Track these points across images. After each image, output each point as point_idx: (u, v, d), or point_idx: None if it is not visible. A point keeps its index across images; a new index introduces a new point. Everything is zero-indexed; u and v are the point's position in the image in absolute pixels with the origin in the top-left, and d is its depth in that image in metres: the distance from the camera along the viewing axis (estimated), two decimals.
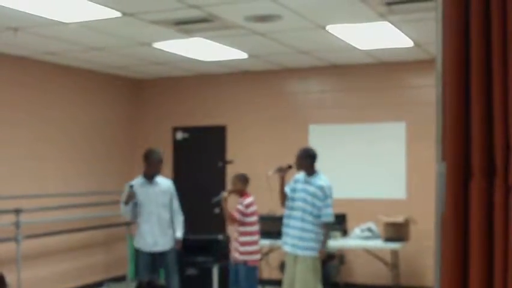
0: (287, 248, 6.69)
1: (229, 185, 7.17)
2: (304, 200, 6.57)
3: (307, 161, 6.67)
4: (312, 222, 6.55)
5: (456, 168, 2.26)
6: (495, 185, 2.21)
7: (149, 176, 7.00)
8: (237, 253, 7.09)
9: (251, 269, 7.10)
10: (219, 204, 7.32)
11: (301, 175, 6.72)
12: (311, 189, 6.57)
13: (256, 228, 7.13)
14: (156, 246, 6.95)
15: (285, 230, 6.72)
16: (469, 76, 2.27)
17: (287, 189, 6.73)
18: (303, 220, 6.56)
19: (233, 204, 7.16)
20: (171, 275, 7.08)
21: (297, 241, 6.58)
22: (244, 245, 7.05)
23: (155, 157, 7.02)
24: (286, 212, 6.73)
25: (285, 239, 6.71)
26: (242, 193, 7.09)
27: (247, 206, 7.01)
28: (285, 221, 6.74)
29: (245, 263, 7.06)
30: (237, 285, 7.18)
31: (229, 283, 7.34)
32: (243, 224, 7.02)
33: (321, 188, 6.55)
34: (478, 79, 2.24)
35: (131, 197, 6.85)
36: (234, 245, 7.17)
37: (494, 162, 2.22)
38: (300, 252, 6.57)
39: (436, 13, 2.34)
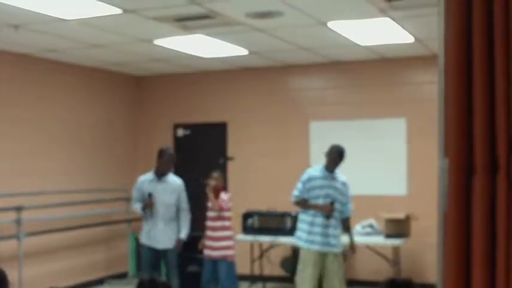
0: (316, 247, 6.53)
1: (212, 182, 7.16)
2: (332, 197, 6.53)
3: (340, 159, 6.63)
4: (338, 218, 6.59)
5: (458, 164, 2.25)
6: (498, 181, 2.21)
7: (159, 173, 7.06)
8: (211, 249, 7.04)
9: (231, 264, 7.08)
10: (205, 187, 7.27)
11: (317, 172, 6.61)
12: (337, 185, 6.60)
13: (231, 223, 7.19)
14: (158, 243, 7.00)
15: (310, 228, 6.56)
16: (472, 72, 2.27)
17: (300, 190, 6.61)
18: (336, 218, 6.56)
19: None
20: (171, 274, 7.09)
21: (333, 239, 6.53)
22: (222, 240, 7.01)
23: (168, 155, 7.08)
24: (310, 211, 6.61)
25: (312, 237, 6.55)
26: (222, 189, 7.14)
27: (229, 199, 7.07)
28: (307, 218, 6.59)
29: (225, 258, 7.02)
30: (215, 283, 7.12)
31: (204, 282, 7.23)
32: (221, 218, 7.02)
33: (345, 184, 6.64)
34: (480, 75, 2.24)
35: (149, 206, 6.95)
36: (207, 243, 7.09)
37: (497, 158, 2.21)
38: (335, 250, 6.55)
39: (438, 8, 2.33)
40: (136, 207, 7.14)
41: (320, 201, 6.50)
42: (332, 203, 6.50)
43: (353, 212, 6.77)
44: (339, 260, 6.60)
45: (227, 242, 7.05)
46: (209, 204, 7.12)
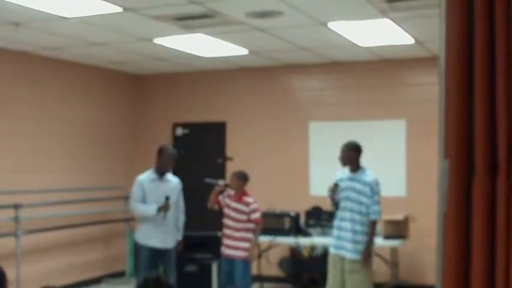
0: (333, 250, 6.37)
1: (219, 186, 7.12)
2: (350, 199, 6.25)
3: (352, 155, 6.34)
4: (361, 222, 6.23)
5: (459, 165, 2.25)
6: (498, 182, 2.20)
7: (160, 172, 6.89)
8: (233, 250, 7.00)
9: (248, 265, 7.06)
10: (209, 185, 7.15)
11: (344, 173, 6.40)
12: (356, 186, 6.25)
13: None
14: (160, 243, 6.88)
15: (334, 232, 6.39)
16: (472, 73, 2.26)
17: (330, 192, 6.40)
18: (352, 221, 6.23)
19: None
20: (170, 273, 7.04)
21: (346, 243, 6.24)
22: (244, 240, 6.99)
23: (169, 153, 6.91)
24: (337, 214, 6.39)
25: (333, 241, 6.40)
26: (243, 192, 7.00)
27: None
28: (335, 222, 6.41)
29: (246, 259, 7.00)
30: (232, 283, 7.10)
31: (222, 282, 7.23)
32: (249, 220, 6.95)
33: (368, 184, 6.24)
34: (481, 76, 2.24)
35: (167, 208, 6.77)
36: (226, 242, 7.06)
37: (497, 159, 2.21)
38: (348, 255, 6.24)
39: (439, 10, 2.33)
40: (141, 208, 6.84)
41: (347, 204, 6.27)
42: (336, 184, 6.27)
43: (379, 215, 6.29)
44: (354, 268, 6.22)
45: (247, 243, 6.99)
46: (232, 204, 7.01)
